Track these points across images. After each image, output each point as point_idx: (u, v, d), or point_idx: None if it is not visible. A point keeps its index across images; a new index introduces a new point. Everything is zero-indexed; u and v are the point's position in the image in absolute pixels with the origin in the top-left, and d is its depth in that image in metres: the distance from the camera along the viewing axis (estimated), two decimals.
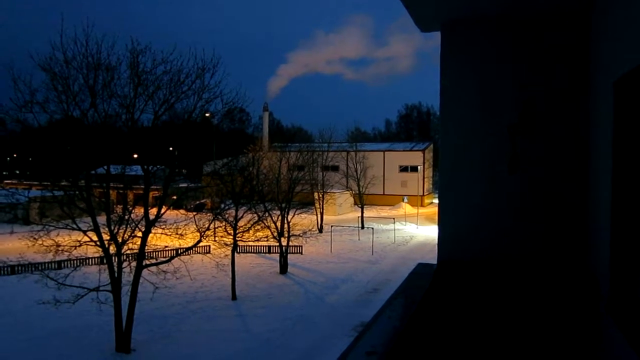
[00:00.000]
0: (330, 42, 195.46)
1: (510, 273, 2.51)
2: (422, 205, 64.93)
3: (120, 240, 20.61)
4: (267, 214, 32.06)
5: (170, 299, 24.78)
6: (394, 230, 46.51)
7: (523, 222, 2.66)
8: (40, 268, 24.03)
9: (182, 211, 26.33)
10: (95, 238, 20.46)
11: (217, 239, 27.22)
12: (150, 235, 21.84)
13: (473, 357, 2.22)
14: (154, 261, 23.13)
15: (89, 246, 20.82)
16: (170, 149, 27.57)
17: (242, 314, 24.25)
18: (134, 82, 21.36)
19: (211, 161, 46.48)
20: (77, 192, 21.99)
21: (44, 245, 20.20)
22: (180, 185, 31.66)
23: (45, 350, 18.97)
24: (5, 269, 27.89)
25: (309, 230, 35.98)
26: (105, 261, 20.89)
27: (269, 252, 35.76)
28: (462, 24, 2.87)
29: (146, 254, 22.29)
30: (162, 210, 22.02)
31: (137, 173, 25.42)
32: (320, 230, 46.82)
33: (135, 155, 26.59)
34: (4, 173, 67.07)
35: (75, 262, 24.34)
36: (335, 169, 61.36)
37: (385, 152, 70.74)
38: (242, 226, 28.70)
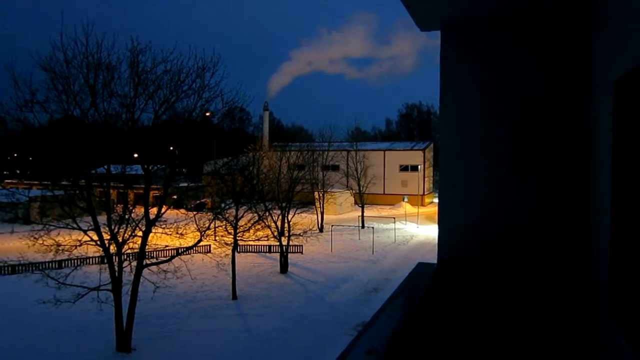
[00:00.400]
0: (333, 40, 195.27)
1: (510, 272, 2.51)
2: (422, 205, 64.94)
3: (120, 239, 20.63)
4: (267, 214, 32.08)
5: (170, 298, 24.80)
6: (395, 229, 46.53)
7: (523, 222, 2.66)
8: (40, 267, 24.06)
9: (182, 211, 26.36)
10: (95, 237, 20.48)
11: (217, 238, 27.24)
12: (151, 234, 21.86)
13: (472, 357, 2.22)
14: (154, 260, 23.15)
15: (89, 245, 20.84)
16: (171, 148, 27.57)
17: (242, 313, 24.27)
18: (134, 81, 21.39)
19: (211, 160, 46.53)
20: (77, 192, 22.01)
21: (44, 245, 20.22)
22: (181, 185, 31.68)
23: (45, 349, 18.99)
24: (6, 268, 27.92)
25: (310, 229, 35.99)
26: (105, 260, 20.90)
27: (270, 251, 35.79)
28: (461, 23, 2.87)
29: (147, 253, 22.31)
30: (163, 210, 22.03)
31: (138, 172, 25.44)
32: (321, 229, 46.84)
33: (136, 155, 26.61)
34: (5, 172, 67.11)
35: (75, 261, 24.39)
36: (335, 168, 61.37)
37: (386, 152, 70.74)
38: (242, 225, 28.71)
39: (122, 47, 21.80)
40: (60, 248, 20.51)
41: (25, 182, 39.41)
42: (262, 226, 30.50)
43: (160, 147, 25.49)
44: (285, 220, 34.40)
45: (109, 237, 20.56)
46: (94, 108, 21.20)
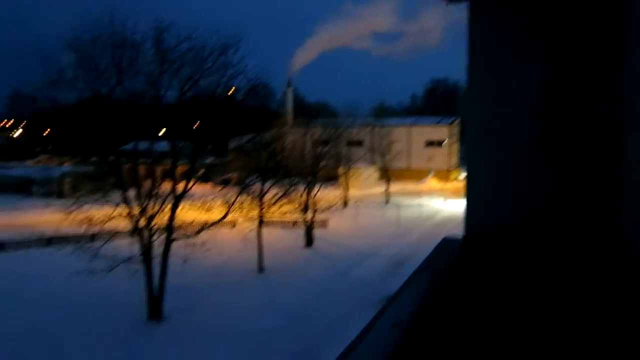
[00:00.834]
0: (360, 15, 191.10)
1: (538, 245, 2.51)
2: (448, 180, 64.31)
3: (149, 214, 21.14)
4: (292, 189, 32.29)
5: (198, 271, 25.38)
6: (420, 205, 46.30)
7: (551, 198, 2.64)
8: (74, 240, 24.84)
9: (208, 186, 26.74)
10: (125, 212, 21.05)
11: (243, 213, 27.65)
12: (178, 209, 22.32)
13: (498, 331, 2.24)
14: (182, 234, 23.69)
15: (120, 219, 21.43)
16: (196, 125, 27.89)
17: (268, 286, 24.75)
18: (158, 59, 21.56)
19: (236, 137, 46.79)
20: (107, 168, 22.56)
21: (77, 219, 20.90)
22: (207, 161, 32.09)
23: (81, 318, 19.82)
24: (42, 240, 28.92)
25: (334, 205, 36.10)
26: (136, 234, 21.51)
27: (295, 226, 36.15)
28: None
29: (175, 227, 22.86)
30: (190, 185, 22.42)
31: (165, 149, 25.86)
32: (346, 204, 46.97)
33: (162, 132, 27.01)
34: (38, 149, 68.97)
35: (107, 234, 25.11)
36: (360, 144, 61.01)
37: (411, 127, 69.91)
38: (267, 201, 29.00)
39: (146, 24, 21.89)
40: (92, 222, 21.17)
41: (57, 158, 40.50)
42: (287, 201, 30.75)
43: (186, 124, 25.79)
44: (310, 196, 34.59)
45: (138, 212, 21.10)
46: (121, 86, 21.52)
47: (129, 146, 23.72)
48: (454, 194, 54.08)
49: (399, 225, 38.31)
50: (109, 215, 21.14)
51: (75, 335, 18.36)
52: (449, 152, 67.96)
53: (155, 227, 21.90)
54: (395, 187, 54.87)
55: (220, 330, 18.93)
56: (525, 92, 2.82)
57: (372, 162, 60.59)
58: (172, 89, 22.37)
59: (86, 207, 21.27)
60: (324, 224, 36.38)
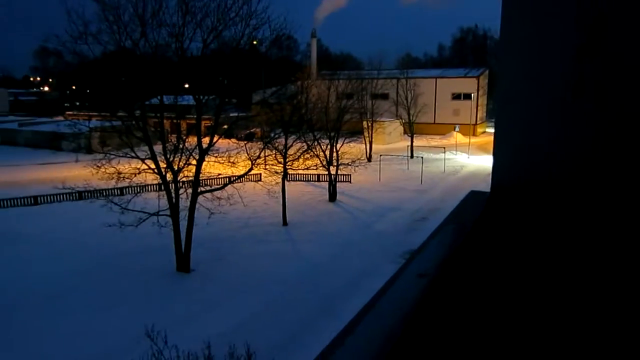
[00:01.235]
0: None
1: (570, 200, 2.43)
2: (474, 135, 63.06)
3: (176, 168, 21.50)
4: (316, 143, 32.24)
5: (224, 224, 25.98)
6: (444, 159, 45.79)
7: (586, 150, 2.53)
8: (104, 194, 25.61)
9: (233, 140, 26.86)
10: (153, 166, 21.44)
11: (267, 167, 27.87)
12: (204, 163, 22.62)
13: (523, 280, 2.21)
14: (208, 188, 24.10)
15: (147, 174, 21.87)
16: (220, 78, 27.74)
17: (292, 239, 25.22)
18: (181, 9, 21.25)
19: (260, 90, 46.49)
20: (133, 122, 22.82)
21: (106, 173, 21.41)
22: (231, 115, 32.12)
23: (112, 268, 20.67)
24: (74, 194, 29.86)
25: (358, 159, 36.03)
26: (163, 188, 21.97)
27: (318, 180, 36.34)
28: None
29: (201, 181, 23.22)
30: (214, 139, 22.59)
31: (189, 103, 25.95)
32: (369, 159, 46.80)
33: (187, 85, 26.99)
34: (66, 105, 70.11)
35: (135, 188, 25.72)
36: (384, 96, 59.94)
37: (437, 79, 68.13)
38: (291, 155, 29.10)
39: None
40: (121, 176, 21.67)
41: (85, 113, 41.22)
42: (311, 155, 30.79)
43: (209, 77, 25.67)
44: (334, 150, 34.52)
45: (165, 166, 21.47)
46: (144, 38, 21.40)
47: (155, 100, 23.87)
48: (480, 149, 53.20)
49: (423, 180, 38.11)
50: (137, 169, 21.58)
51: (109, 288, 19.25)
52: (476, 106, 66.30)
53: (182, 181, 22.31)
54: (419, 141, 54.22)
55: (243, 281, 19.52)
56: (565, 36, 2.66)
57: (397, 116, 59.71)
58: (195, 41, 22.16)
59: (115, 161, 21.73)
60: (347, 178, 36.46)
